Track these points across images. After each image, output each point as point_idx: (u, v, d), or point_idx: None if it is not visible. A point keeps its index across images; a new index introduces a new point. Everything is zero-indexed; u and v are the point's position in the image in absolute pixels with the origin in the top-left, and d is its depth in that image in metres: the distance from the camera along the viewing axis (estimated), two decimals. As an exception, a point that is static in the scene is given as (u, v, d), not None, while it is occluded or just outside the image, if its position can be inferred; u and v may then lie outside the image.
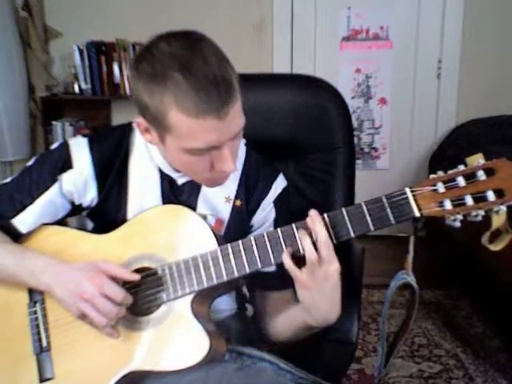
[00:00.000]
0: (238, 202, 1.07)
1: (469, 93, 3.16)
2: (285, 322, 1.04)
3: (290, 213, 1.10)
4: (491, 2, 3.08)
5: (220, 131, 0.87)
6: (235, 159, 0.95)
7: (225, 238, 1.03)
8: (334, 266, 0.88)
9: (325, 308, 0.93)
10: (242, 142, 1.10)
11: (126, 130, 1.06)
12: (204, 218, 1.01)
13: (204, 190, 1.05)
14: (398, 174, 3.30)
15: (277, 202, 1.08)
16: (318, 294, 0.91)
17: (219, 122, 0.85)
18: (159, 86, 0.85)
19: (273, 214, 1.09)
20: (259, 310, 1.11)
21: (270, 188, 1.08)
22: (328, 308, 0.93)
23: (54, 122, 3.17)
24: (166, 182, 1.04)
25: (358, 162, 3.23)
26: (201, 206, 1.05)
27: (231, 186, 1.07)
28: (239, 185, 1.07)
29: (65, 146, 1.03)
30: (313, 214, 0.89)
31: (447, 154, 2.92)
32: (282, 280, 1.00)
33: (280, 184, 1.10)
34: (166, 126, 0.88)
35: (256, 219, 1.09)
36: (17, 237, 1.04)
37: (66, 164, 1.02)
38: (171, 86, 0.84)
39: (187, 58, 0.85)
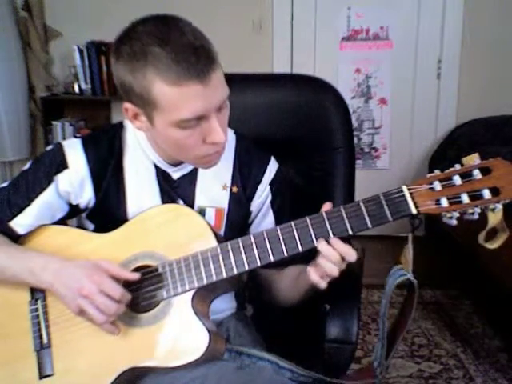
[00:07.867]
0: (235, 189, 1.08)
1: (469, 93, 3.15)
2: (294, 287, 1.07)
3: (289, 195, 1.13)
4: (491, 3, 3.08)
5: (205, 98, 0.88)
6: (225, 132, 0.96)
7: (226, 226, 1.06)
8: (353, 256, 0.92)
9: None
10: (231, 131, 1.11)
11: (118, 128, 1.07)
12: (203, 210, 1.03)
13: (200, 181, 1.06)
14: (398, 173, 3.30)
15: (272, 185, 1.11)
16: None
17: (203, 87, 0.87)
18: (140, 62, 0.87)
19: (269, 197, 1.11)
20: (270, 282, 1.13)
21: (265, 171, 1.10)
22: None
23: (53, 122, 3.17)
24: (162, 177, 1.05)
25: (358, 161, 3.23)
26: (199, 197, 1.06)
27: (226, 174, 1.08)
28: (233, 171, 1.09)
29: (59, 148, 1.04)
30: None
31: (447, 153, 2.92)
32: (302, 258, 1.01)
33: (273, 166, 1.12)
34: (152, 102, 0.89)
35: (254, 204, 1.11)
36: (15, 238, 1.04)
37: (61, 165, 1.02)
38: (151, 59, 0.86)
39: (163, 33, 0.87)
